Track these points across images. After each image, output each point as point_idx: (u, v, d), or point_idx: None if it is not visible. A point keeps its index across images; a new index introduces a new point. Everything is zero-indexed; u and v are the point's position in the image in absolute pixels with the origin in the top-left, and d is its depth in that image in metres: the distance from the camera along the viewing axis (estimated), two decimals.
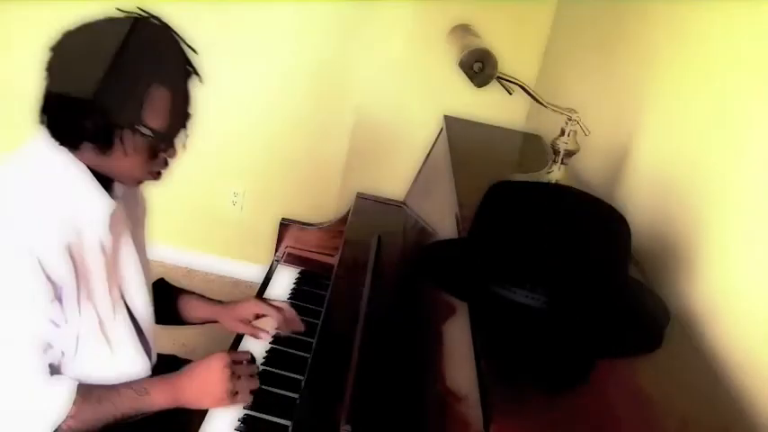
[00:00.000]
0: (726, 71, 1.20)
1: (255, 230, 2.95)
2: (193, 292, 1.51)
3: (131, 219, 1.31)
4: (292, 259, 1.87)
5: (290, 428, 1.21)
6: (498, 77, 1.26)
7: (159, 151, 1.16)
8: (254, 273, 2.85)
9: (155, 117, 1.11)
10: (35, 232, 1.06)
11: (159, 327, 1.52)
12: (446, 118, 1.85)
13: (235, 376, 1.19)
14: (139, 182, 1.21)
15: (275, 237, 1.89)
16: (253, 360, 1.27)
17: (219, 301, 1.50)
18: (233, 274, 3.07)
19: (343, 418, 1.01)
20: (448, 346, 1.03)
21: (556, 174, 1.31)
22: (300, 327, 1.46)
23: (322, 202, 2.83)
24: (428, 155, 1.89)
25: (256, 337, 1.45)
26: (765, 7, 1.10)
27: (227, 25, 2.79)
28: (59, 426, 1.09)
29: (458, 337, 0.96)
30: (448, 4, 2.50)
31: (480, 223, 0.98)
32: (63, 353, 1.13)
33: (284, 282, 1.77)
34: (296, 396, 1.30)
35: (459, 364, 0.92)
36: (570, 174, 1.34)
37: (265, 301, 1.48)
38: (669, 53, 1.44)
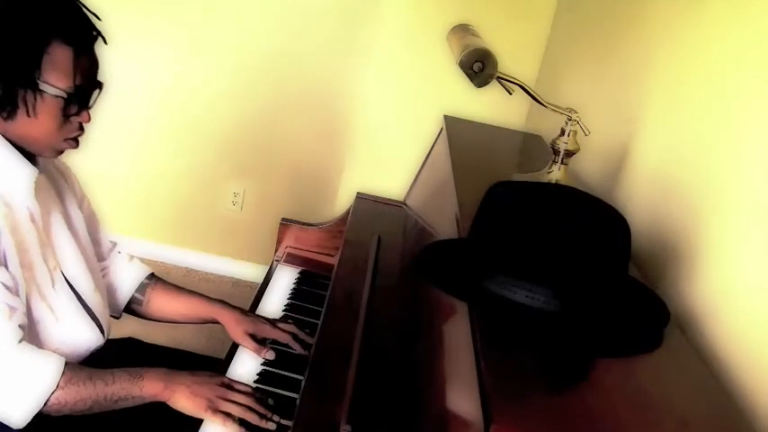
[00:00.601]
0: (726, 71, 1.20)
1: (255, 230, 2.95)
2: (193, 291, 1.51)
3: (59, 196, 1.30)
4: (292, 259, 1.87)
5: (290, 428, 1.21)
6: (498, 77, 1.26)
7: (70, 114, 1.15)
8: (254, 273, 2.85)
9: (57, 76, 1.10)
10: None
11: (159, 324, 1.53)
12: (446, 118, 1.84)
13: (225, 397, 1.18)
14: (58, 151, 1.20)
15: (275, 237, 1.89)
16: (255, 395, 1.24)
17: (223, 302, 1.48)
18: (233, 274, 3.07)
19: (343, 418, 1.01)
20: (448, 345, 1.03)
21: (556, 174, 1.31)
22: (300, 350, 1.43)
23: (322, 202, 2.83)
24: (428, 155, 1.89)
25: (261, 355, 1.40)
26: (765, 6, 1.10)
27: (227, 25, 2.79)
28: (49, 401, 1.09)
29: (457, 337, 0.96)
30: (448, 4, 2.50)
31: (480, 223, 0.98)
32: (25, 315, 1.13)
33: (284, 282, 1.77)
34: (296, 396, 1.30)
35: (459, 364, 0.92)
36: (570, 174, 1.34)
37: (277, 326, 1.45)
38: (669, 53, 1.44)
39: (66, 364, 1.13)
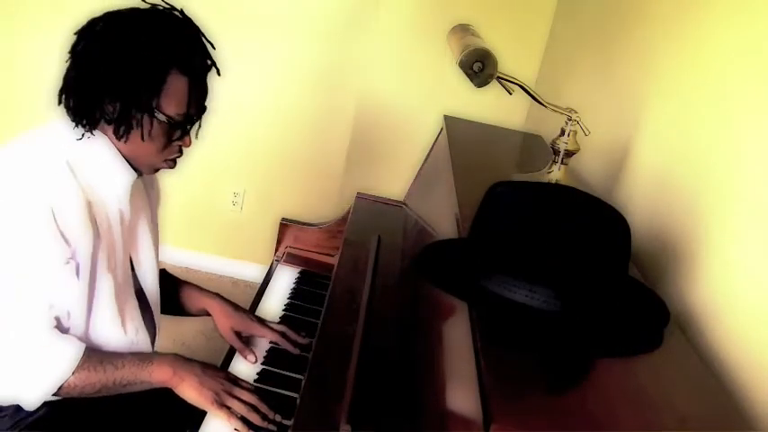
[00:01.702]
0: (726, 71, 1.20)
1: (255, 230, 2.96)
2: (193, 284, 1.52)
3: (149, 200, 1.35)
4: (292, 259, 1.87)
5: (290, 428, 1.21)
6: (498, 77, 1.26)
7: (174, 139, 1.19)
8: (254, 273, 2.85)
9: (172, 104, 1.15)
10: (54, 188, 1.10)
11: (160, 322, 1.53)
12: (446, 118, 1.84)
13: (231, 392, 1.19)
14: (155, 169, 1.25)
15: (275, 237, 1.90)
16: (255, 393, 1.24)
17: (217, 294, 1.48)
18: (233, 274, 3.07)
19: (343, 417, 1.01)
20: (448, 345, 1.03)
21: (556, 174, 1.31)
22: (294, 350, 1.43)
23: (322, 202, 2.83)
24: (428, 155, 1.89)
25: (243, 356, 1.39)
26: (765, 6, 1.10)
27: (227, 25, 2.79)
28: (62, 384, 1.11)
29: (457, 337, 0.96)
30: (448, 4, 2.50)
31: (480, 223, 0.98)
32: (69, 313, 1.14)
33: (284, 282, 1.77)
34: (296, 396, 1.30)
35: (459, 364, 0.92)
36: (570, 174, 1.34)
37: (266, 325, 1.44)
38: (669, 53, 1.44)
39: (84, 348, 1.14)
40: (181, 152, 1.24)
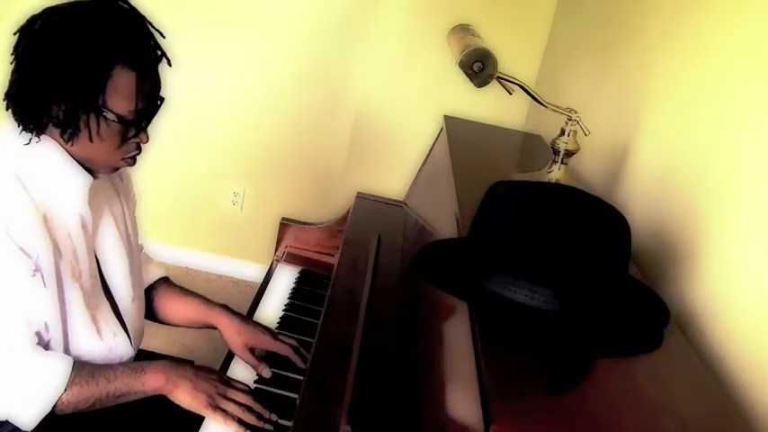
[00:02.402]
0: (726, 71, 1.20)
1: (255, 230, 2.96)
2: (196, 294, 1.48)
3: (114, 202, 1.30)
4: (292, 259, 1.87)
5: (290, 429, 1.21)
6: (498, 77, 1.26)
7: (129, 137, 1.13)
8: (254, 272, 2.85)
9: (119, 100, 1.08)
10: (5, 208, 1.05)
11: (160, 326, 1.53)
12: (446, 118, 1.84)
13: (225, 395, 1.18)
14: (114, 168, 1.20)
15: (275, 236, 1.89)
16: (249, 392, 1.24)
17: (224, 306, 1.43)
18: (233, 274, 3.07)
19: (343, 418, 1.01)
20: (448, 345, 1.03)
21: (556, 174, 1.31)
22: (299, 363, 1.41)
23: (322, 202, 2.83)
24: (428, 155, 1.89)
25: (258, 371, 1.36)
26: (765, 6, 1.10)
27: (226, 25, 2.79)
28: (56, 403, 1.09)
29: (458, 337, 0.96)
30: (448, 4, 2.50)
31: (480, 223, 0.98)
32: (47, 326, 1.12)
33: (284, 281, 1.77)
34: (296, 396, 1.30)
35: (459, 364, 0.92)
36: (570, 174, 1.34)
37: (278, 338, 1.40)
38: (669, 53, 1.44)
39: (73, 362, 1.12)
40: (139, 149, 1.17)
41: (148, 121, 1.15)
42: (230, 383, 1.22)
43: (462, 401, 0.85)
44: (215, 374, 1.23)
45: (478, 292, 0.92)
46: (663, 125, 1.40)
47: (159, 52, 1.14)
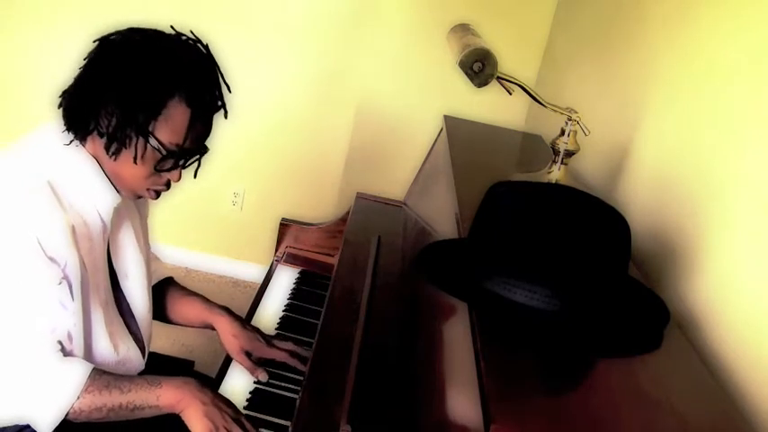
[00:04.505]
0: (726, 71, 1.20)
1: (255, 230, 2.96)
2: (197, 294, 1.48)
3: (134, 215, 1.32)
4: (292, 259, 1.87)
5: (289, 428, 1.21)
6: (498, 77, 1.26)
7: (162, 169, 1.15)
8: (254, 273, 2.85)
9: (167, 131, 1.11)
10: (37, 218, 1.07)
11: (160, 326, 1.52)
12: (446, 118, 1.84)
13: (228, 429, 1.15)
14: (137, 196, 1.20)
15: (275, 237, 1.89)
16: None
17: (225, 308, 1.43)
18: (233, 274, 3.07)
19: (343, 418, 1.01)
20: (448, 345, 1.03)
21: (556, 174, 1.31)
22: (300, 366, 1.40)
23: (322, 202, 2.84)
24: (428, 155, 1.89)
25: (254, 375, 1.35)
26: (765, 8, 1.10)
27: (226, 26, 2.79)
28: (68, 411, 1.09)
29: (457, 337, 0.96)
30: (448, 4, 2.50)
31: (480, 223, 0.98)
32: (70, 336, 1.12)
33: (284, 282, 1.77)
34: (296, 396, 1.30)
35: (459, 364, 0.92)
36: (570, 174, 1.34)
37: (275, 345, 1.40)
38: (669, 53, 1.44)
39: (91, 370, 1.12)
40: (168, 186, 1.19)
41: (186, 161, 1.17)
42: (241, 423, 1.17)
43: (462, 401, 0.85)
44: (231, 408, 1.18)
45: (478, 292, 0.92)
46: (663, 125, 1.40)
47: (220, 102, 1.16)
